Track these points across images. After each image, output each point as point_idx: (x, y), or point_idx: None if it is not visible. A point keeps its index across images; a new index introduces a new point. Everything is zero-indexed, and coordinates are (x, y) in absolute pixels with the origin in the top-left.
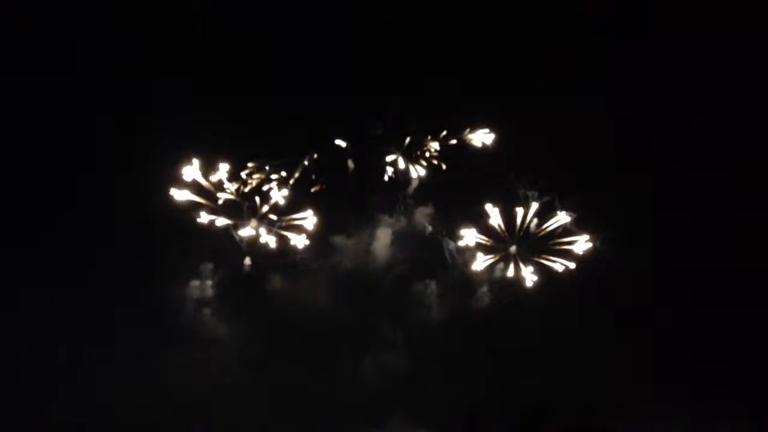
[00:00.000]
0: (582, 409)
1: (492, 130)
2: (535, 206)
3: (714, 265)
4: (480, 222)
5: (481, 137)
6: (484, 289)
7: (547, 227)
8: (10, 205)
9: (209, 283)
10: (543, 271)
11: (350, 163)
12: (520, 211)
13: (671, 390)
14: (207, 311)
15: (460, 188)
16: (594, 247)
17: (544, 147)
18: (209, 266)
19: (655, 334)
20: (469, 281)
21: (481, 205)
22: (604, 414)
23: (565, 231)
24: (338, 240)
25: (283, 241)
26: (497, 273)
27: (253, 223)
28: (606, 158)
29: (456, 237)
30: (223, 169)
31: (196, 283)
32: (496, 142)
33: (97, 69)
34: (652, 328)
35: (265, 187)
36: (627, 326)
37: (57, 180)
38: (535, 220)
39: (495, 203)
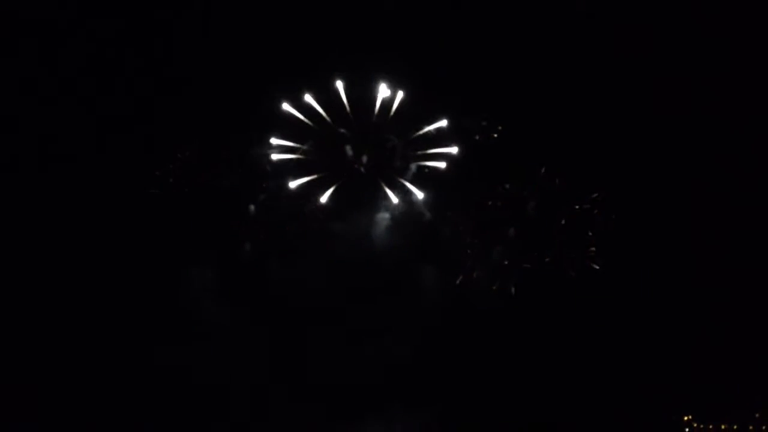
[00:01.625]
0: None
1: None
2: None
3: None
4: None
5: (483, 127)
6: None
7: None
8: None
9: (208, 269)
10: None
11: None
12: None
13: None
14: (206, 298)
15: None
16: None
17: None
18: (208, 252)
19: None
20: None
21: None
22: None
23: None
24: (336, 226)
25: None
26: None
27: (252, 209)
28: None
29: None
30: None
31: (195, 270)
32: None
33: (94, 66)
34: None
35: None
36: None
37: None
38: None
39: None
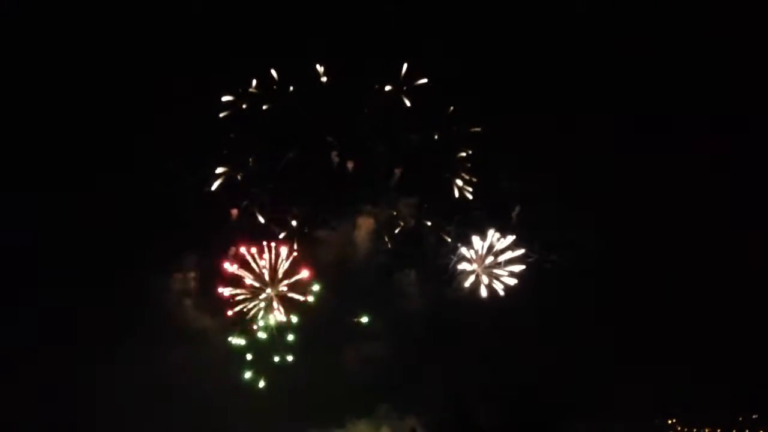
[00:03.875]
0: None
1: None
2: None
3: None
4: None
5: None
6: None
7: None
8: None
9: (192, 275)
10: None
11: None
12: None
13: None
14: (189, 303)
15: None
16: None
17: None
18: (192, 258)
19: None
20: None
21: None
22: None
23: None
24: (322, 233)
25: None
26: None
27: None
28: None
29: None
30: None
31: (178, 275)
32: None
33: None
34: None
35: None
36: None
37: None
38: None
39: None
